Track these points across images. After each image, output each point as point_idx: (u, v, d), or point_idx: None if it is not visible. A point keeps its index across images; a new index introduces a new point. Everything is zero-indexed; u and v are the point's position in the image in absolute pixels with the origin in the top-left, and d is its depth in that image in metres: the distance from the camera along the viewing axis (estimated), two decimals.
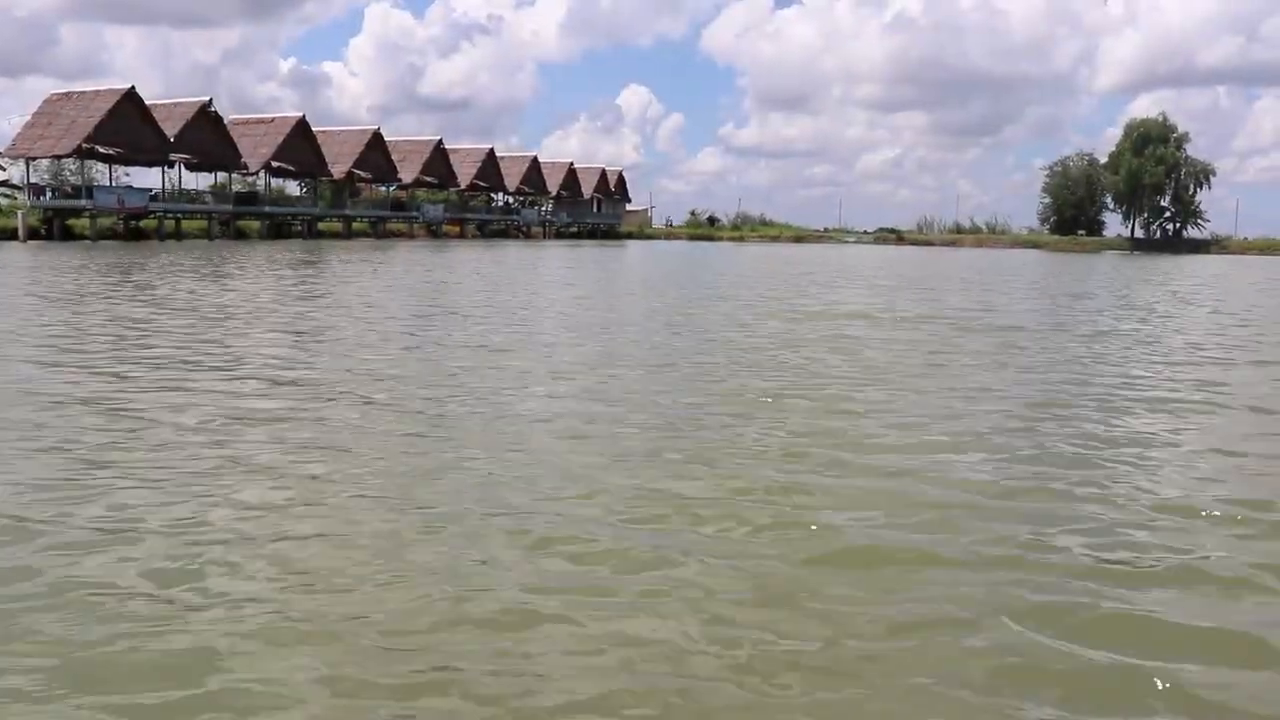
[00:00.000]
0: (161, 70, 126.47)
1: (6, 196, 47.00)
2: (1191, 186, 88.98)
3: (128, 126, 43.80)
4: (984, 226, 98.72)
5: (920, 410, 6.70)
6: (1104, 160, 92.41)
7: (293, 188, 61.11)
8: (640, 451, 5.42)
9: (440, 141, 66.04)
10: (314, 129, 55.58)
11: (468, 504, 4.37)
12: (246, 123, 53.48)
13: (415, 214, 63.82)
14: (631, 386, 7.57)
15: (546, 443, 5.58)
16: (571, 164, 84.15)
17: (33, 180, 44.28)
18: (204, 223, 49.15)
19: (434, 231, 64.78)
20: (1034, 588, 3.52)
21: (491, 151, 72.04)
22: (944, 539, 4.01)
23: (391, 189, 64.33)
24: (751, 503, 4.45)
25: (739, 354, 9.54)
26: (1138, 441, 5.92)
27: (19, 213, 40.37)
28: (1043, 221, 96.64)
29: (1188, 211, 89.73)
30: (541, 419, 6.22)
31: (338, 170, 56.67)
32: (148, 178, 49.58)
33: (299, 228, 54.90)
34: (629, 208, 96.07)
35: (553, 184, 79.82)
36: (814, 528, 4.12)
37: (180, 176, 50.79)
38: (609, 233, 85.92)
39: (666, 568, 3.65)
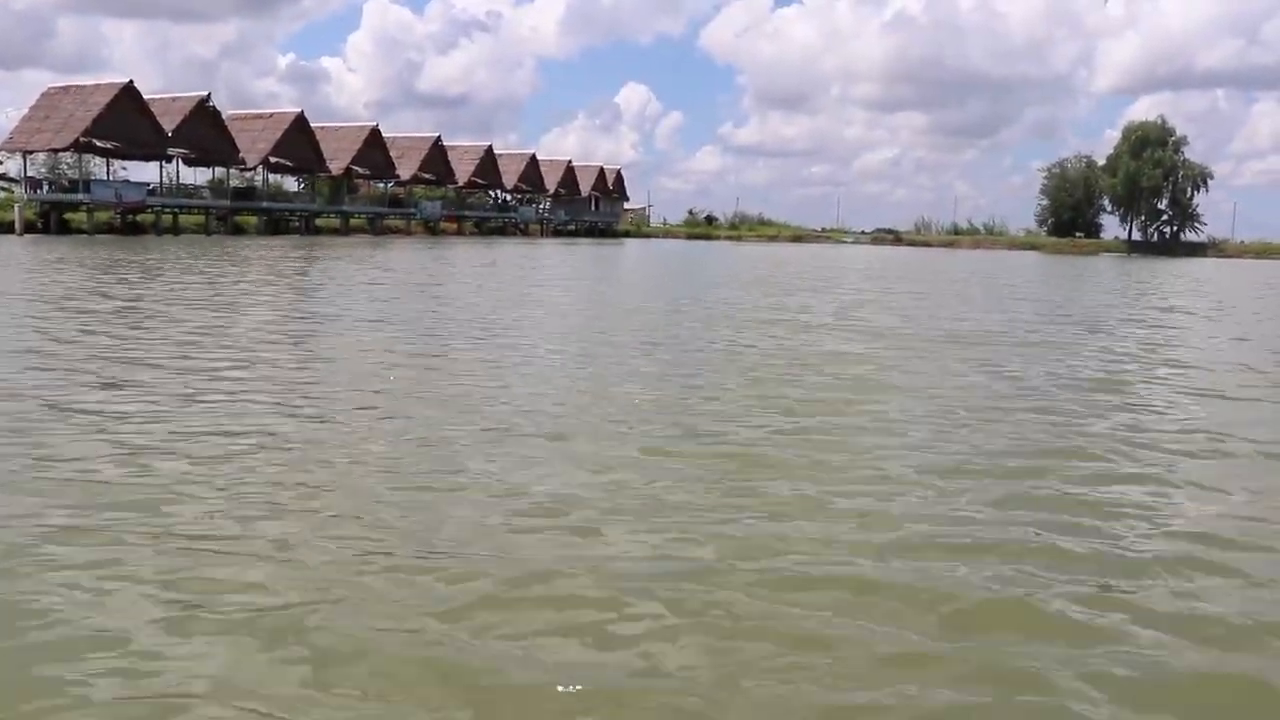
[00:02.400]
0: (159, 64, 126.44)
1: (3, 190, 46.94)
2: (1189, 189, 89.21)
3: (126, 121, 43.71)
4: (981, 228, 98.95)
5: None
6: (1102, 162, 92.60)
7: (290, 183, 61.07)
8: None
9: (438, 138, 66.03)
10: (312, 125, 55.52)
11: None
12: (245, 118, 53.43)
13: (413, 211, 63.79)
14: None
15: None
16: (570, 162, 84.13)
17: (30, 173, 44.24)
18: (201, 217, 49.08)
19: (431, 229, 64.73)
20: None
21: (490, 149, 72.01)
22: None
23: (389, 186, 64.27)
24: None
25: None
26: None
27: (15, 206, 40.30)
28: (1040, 223, 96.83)
29: (1185, 214, 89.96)
30: None
31: (336, 166, 56.61)
32: (145, 172, 49.56)
33: (296, 224, 54.86)
34: (627, 206, 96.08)
35: (551, 182, 79.79)
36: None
37: (178, 171, 50.83)
38: (606, 231, 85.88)
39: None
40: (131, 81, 44.43)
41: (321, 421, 5.95)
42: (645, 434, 5.83)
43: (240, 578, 3.45)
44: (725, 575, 3.57)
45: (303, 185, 60.86)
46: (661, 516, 4.22)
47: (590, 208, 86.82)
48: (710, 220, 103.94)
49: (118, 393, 6.69)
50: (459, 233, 66.87)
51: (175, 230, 46.55)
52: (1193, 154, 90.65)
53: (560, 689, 2.74)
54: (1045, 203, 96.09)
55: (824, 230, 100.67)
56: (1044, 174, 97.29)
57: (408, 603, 3.28)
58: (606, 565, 3.65)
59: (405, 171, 62.66)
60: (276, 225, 53.11)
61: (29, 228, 39.68)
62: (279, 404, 6.42)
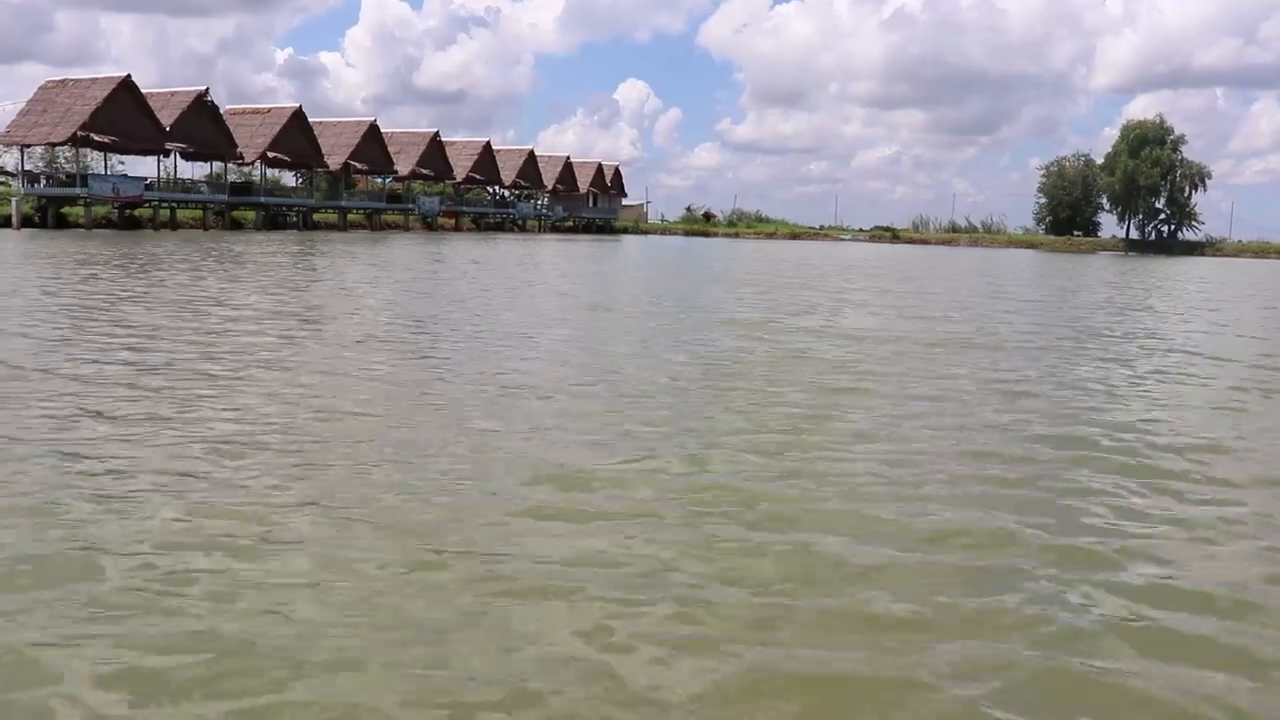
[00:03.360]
0: (157, 59, 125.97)
1: (0, 184, 46.81)
2: (1187, 188, 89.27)
3: (124, 115, 43.59)
4: (979, 226, 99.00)
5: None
6: (1100, 161, 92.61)
7: (289, 178, 60.91)
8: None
9: (437, 134, 65.86)
10: (310, 120, 55.37)
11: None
12: (243, 113, 53.31)
13: (411, 206, 63.69)
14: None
15: None
16: (568, 158, 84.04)
17: (27, 168, 44.14)
18: (199, 212, 48.96)
19: (429, 224, 64.61)
20: None
21: (488, 144, 71.89)
22: None
23: (387, 181, 64.12)
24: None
25: None
26: None
27: (13, 200, 40.18)
28: (1038, 221, 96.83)
29: (1182, 213, 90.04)
30: None
31: (334, 161, 56.47)
32: (143, 166, 49.45)
33: (294, 219, 54.74)
34: (625, 202, 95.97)
35: (549, 178, 79.69)
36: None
37: (176, 166, 50.73)
38: (604, 227, 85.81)
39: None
40: (129, 76, 44.35)
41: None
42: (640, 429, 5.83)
43: None
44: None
45: (301, 180, 60.71)
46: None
47: (588, 204, 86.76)
48: (708, 217, 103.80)
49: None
50: (457, 228, 66.78)
51: (173, 225, 46.43)
52: (1191, 153, 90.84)
53: None
54: (1043, 201, 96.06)
55: (822, 228, 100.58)
56: (1042, 172, 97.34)
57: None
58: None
59: (403, 167, 62.53)
60: (274, 220, 52.95)
61: (26, 222, 39.56)
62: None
